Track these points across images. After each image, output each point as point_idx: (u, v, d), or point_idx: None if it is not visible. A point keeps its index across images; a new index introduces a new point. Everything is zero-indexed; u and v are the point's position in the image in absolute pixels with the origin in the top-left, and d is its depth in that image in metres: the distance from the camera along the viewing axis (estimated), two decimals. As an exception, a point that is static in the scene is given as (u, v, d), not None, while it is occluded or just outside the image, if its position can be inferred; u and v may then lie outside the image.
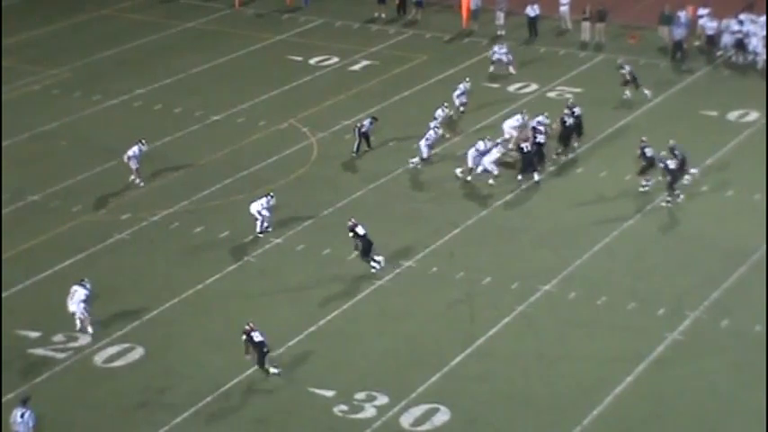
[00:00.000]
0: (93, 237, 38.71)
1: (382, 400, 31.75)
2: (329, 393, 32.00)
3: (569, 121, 44.11)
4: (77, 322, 34.26)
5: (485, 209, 40.40)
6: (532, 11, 55.21)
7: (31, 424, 29.34)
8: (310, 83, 50.73)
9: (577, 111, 44.43)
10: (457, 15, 56.30)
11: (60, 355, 33.27)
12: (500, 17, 55.71)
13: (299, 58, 52.96)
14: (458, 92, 46.96)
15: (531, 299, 35.97)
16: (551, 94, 49.36)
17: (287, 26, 56.77)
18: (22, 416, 29.38)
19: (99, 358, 33.29)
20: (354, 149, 44.17)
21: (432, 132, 43.45)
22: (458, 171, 42.14)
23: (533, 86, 50.19)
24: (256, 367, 32.66)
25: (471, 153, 41.88)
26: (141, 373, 32.79)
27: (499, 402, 31.80)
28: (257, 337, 32.53)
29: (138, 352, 33.55)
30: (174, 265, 37.56)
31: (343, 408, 31.54)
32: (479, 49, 54.10)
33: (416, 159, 43.02)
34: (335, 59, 53.01)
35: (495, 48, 51.11)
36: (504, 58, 50.58)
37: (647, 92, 48.17)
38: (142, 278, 36.96)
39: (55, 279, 36.76)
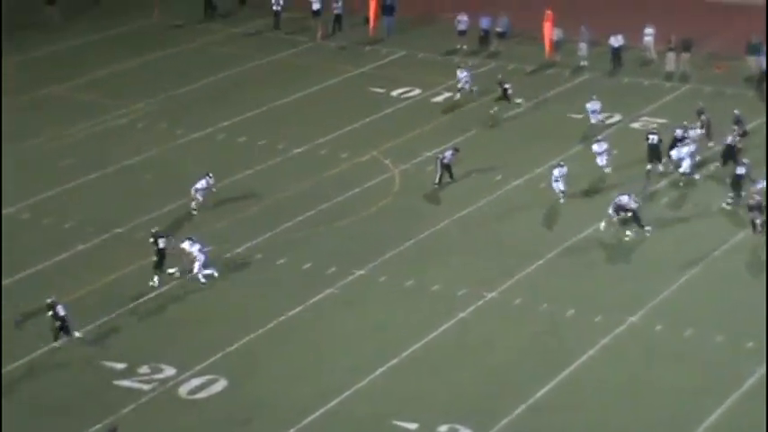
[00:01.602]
0: (172, 267, 38.98)
1: (465, 432, 31.73)
2: (412, 426, 31.98)
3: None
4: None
5: (567, 241, 40.20)
6: (616, 41, 55.02)
7: None
8: (392, 115, 50.91)
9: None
10: (540, 47, 56.22)
11: (146, 387, 33.52)
12: (583, 48, 55.58)
13: (382, 90, 53.18)
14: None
15: (616, 330, 35.77)
16: (635, 125, 49.14)
17: (369, 58, 57.04)
18: None
19: (184, 390, 33.49)
20: (436, 181, 44.22)
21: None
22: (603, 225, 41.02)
23: (617, 117, 49.99)
24: (338, 399, 32.74)
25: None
26: (225, 404, 32.96)
27: (584, 435, 31.67)
28: (60, 311, 34.02)
29: (222, 383, 33.72)
30: (257, 297, 37.76)
31: (427, 440, 31.55)
32: (562, 80, 54.02)
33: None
34: (418, 91, 53.17)
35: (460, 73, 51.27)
36: (467, 85, 50.96)
37: (518, 101, 49.85)
38: (226, 309, 37.18)
39: (140, 311, 37.10)
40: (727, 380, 33.32)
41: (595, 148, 44.89)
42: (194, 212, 41.89)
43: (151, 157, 47.02)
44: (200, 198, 41.98)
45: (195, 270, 38.09)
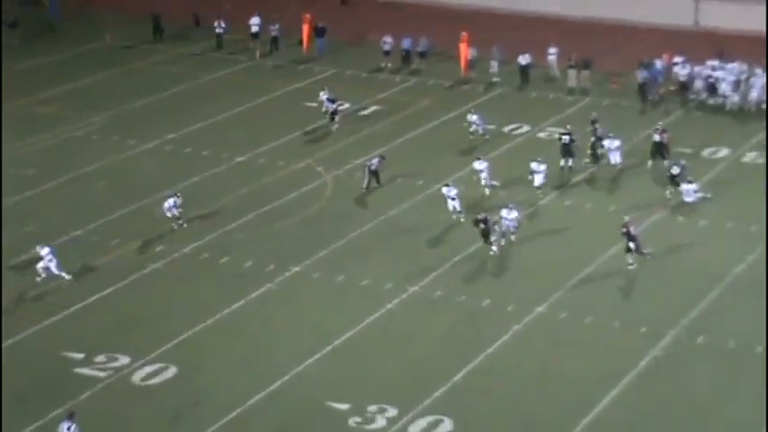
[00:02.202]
0: (131, 267, 38.81)
1: (392, 412, 31.80)
2: (344, 406, 32.06)
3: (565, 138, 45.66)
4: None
5: (480, 241, 40.43)
6: (524, 59, 55.41)
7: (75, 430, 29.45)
8: (325, 126, 50.90)
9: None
10: (456, 65, 56.50)
11: (102, 374, 33.33)
12: (494, 66, 55.90)
13: (314, 105, 53.15)
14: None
15: (525, 319, 36.08)
16: (541, 135, 49.56)
17: (303, 75, 57.00)
18: (68, 428, 29.46)
19: (137, 377, 33.34)
20: (365, 186, 44.32)
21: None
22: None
23: (525, 128, 50.38)
24: (278, 383, 32.76)
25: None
26: (175, 389, 32.85)
27: (497, 415, 31.85)
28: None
29: (172, 371, 33.61)
30: (203, 293, 37.67)
31: (357, 419, 31.59)
32: (477, 95, 54.34)
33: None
34: (347, 105, 53.19)
35: (472, 117, 48.97)
36: (480, 129, 48.83)
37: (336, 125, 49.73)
38: (175, 304, 37.06)
39: (97, 306, 36.86)
40: (625, 362, 33.71)
41: (476, 165, 44.31)
42: (176, 228, 41.06)
43: (105, 166, 46.74)
44: (176, 213, 41.13)
45: (55, 271, 37.44)
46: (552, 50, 56.02)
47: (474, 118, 48.86)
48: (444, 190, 42.06)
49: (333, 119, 50.19)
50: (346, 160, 46.90)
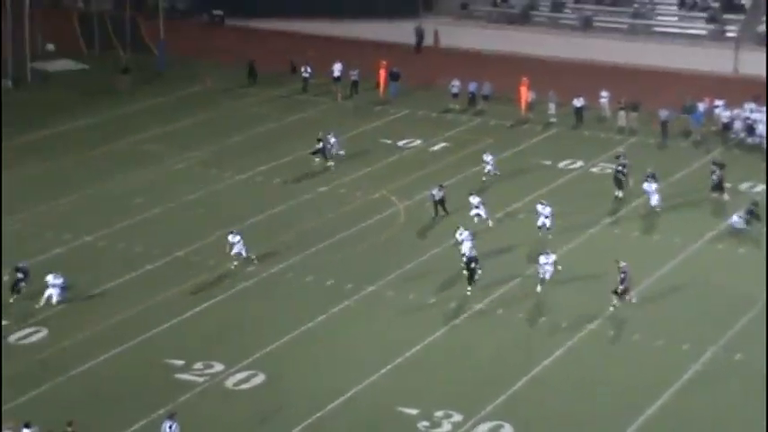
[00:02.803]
0: (226, 285, 39.08)
1: (457, 417, 31.69)
2: (413, 412, 32.00)
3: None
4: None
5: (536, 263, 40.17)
6: (578, 102, 55.20)
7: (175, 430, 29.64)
8: (398, 161, 51.03)
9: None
10: (517, 106, 56.41)
11: (199, 380, 33.56)
12: (551, 107, 55.74)
13: (389, 141, 53.36)
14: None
15: (578, 335, 35.84)
16: (594, 170, 49.27)
17: (379, 116, 57.20)
18: (170, 427, 29.69)
19: (230, 382, 33.52)
20: (433, 214, 44.27)
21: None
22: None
23: (579, 163, 50.15)
24: (354, 390, 32.79)
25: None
26: (263, 394, 32.98)
27: (552, 421, 31.63)
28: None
29: (261, 377, 33.75)
30: (289, 308, 37.82)
31: (425, 423, 31.51)
32: (535, 134, 54.19)
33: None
34: (418, 142, 53.33)
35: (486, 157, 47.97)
36: (492, 169, 47.67)
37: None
38: (264, 318, 37.25)
39: (196, 318, 37.16)
40: (669, 375, 33.36)
41: (471, 200, 43.40)
42: (254, 260, 40.01)
43: (204, 195, 47.11)
44: (242, 251, 39.85)
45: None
46: (604, 94, 55.79)
47: (489, 158, 48.02)
48: (539, 207, 41.87)
49: (325, 156, 49.33)
50: (417, 191, 46.92)
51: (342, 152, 50.04)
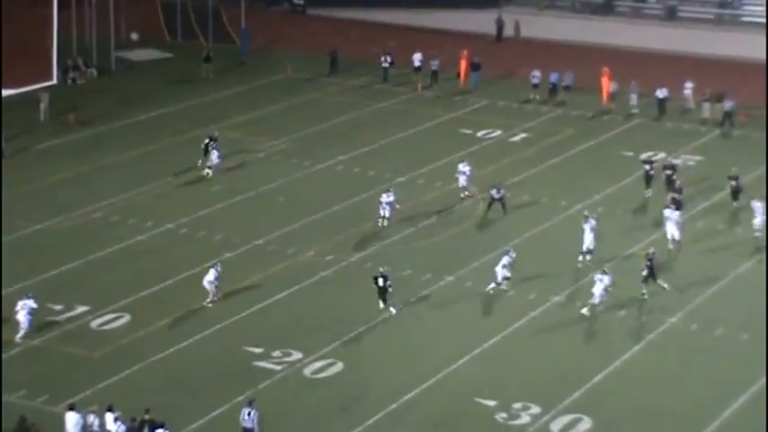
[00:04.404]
0: (304, 274, 39.13)
1: (535, 409, 31.41)
2: (491, 403, 31.77)
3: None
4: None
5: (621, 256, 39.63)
6: (661, 93, 54.39)
7: (255, 420, 29.73)
8: (478, 151, 50.73)
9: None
10: (598, 97, 55.74)
11: (277, 368, 33.65)
12: (633, 98, 54.99)
13: (469, 132, 53.05)
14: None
15: (659, 329, 35.28)
16: (676, 161, 48.49)
17: (459, 106, 56.91)
18: (249, 413, 29.81)
19: (308, 371, 33.56)
20: (484, 211, 43.34)
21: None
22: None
23: (661, 155, 49.40)
24: (433, 380, 32.63)
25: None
26: (341, 383, 32.98)
27: (632, 415, 31.17)
28: None
29: (339, 366, 33.75)
30: (367, 298, 37.71)
31: (503, 415, 31.27)
32: (616, 125, 53.51)
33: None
34: (498, 132, 52.96)
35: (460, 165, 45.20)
36: (466, 180, 44.77)
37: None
38: (342, 307, 37.23)
39: (274, 307, 37.27)
40: (752, 371, 32.68)
41: (460, 167, 43.55)
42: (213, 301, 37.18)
43: (284, 184, 47.21)
44: (213, 288, 37.00)
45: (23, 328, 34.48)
46: (688, 85, 54.92)
47: (466, 169, 44.81)
48: (586, 223, 39.56)
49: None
50: (496, 182, 46.50)
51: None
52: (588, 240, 39.20)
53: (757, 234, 40.85)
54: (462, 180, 44.83)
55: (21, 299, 35.02)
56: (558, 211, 43.89)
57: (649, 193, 44.45)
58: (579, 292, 37.68)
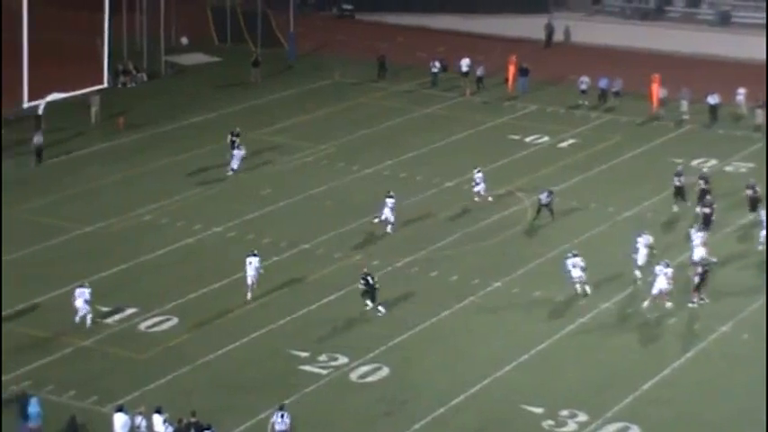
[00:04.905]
0: (351, 277, 39.19)
1: (582, 417, 31.24)
2: (538, 410, 31.65)
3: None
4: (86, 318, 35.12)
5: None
6: (712, 99, 53.97)
7: (288, 422, 29.73)
8: (525, 157, 50.60)
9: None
10: (648, 103, 55.41)
11: (323, 372, 33.73)
12: (684, 104, 54.61)
13: (517, 137, 52.95)
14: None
15: (710, 337, 35.00)
16: (728, 168, 48.08)
17: (507, 111, 56.80)
18: (281, 417, 29.84)
19: (354, 375, 33.62)
20: (533, 218, 43.29)
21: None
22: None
23: (713, 162, 49.01)
24: (479, 386, 32.57)
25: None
26: (387, 388, 32.98)
27: (680, 424, 30.93)
28: None
29: (385, 371, 33.76)
30: (412, 302, 37.76)
31: (550, 422, 31.14)
32: (667, 131, 53.17)
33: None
34: (546, 138, 52.82)
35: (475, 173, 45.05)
36: (482, 189, 44.80)
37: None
38: (388, 312, 37.19)
39: (321, 310, 37.34)
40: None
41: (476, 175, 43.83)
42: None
43: (331, 188, 47.34)
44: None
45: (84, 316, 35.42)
46: (741, 91, 54.46)
47: (479, 176, 44.88)
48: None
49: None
50: (544, 188, 46.31)
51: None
52: (642, 257, 38.45)
53: (760, 248, 40.25)
54: (480, 188, 44.72)
55: (77, 287, 35.74)
56: (605, 218, 43.68)
57: (684, 206, 43.47)
58: (629, 298, 37.43)
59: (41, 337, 35.05)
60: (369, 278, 36.75)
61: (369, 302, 36.68)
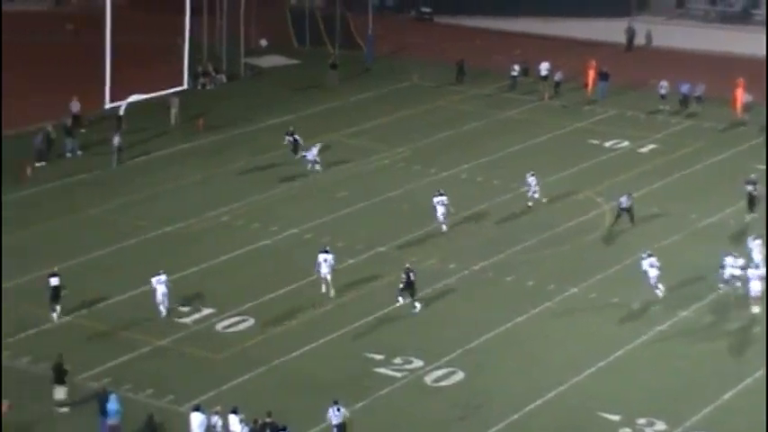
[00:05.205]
0: (427, 281, 39.15)
1: (660, 425, 30.90)
2: (615, 417, 31.37)
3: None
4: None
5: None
6: (797, 104, 53.13)
7: (343, 415, 29.95)
8: (605, 162, 50.20)
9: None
10: (731, 109, 54.63)
11: (398, 375, 33.76)
12: (768, 110, 53.79)
13: (596, 142, 52.54)
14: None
15: (791, 348, 34.44)
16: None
17: (587, 115, 56.40)
18: (338, 410, 30.03)
19: (429, 379, 33.59)
20: (613, 223, 42.99)
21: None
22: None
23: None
24: (554, 392, 32.36)
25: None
26: (461, 392, 32.92)
27: (761, 434, 30.51)
28: None
29: (460, 375, 33.71)
30: (489, 307, 37.65)
31: (627, 430, 30.85)
32: (750, 137, 52.38)
33: None
34: (626, 143, 52.34)
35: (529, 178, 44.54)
36: (535, 192, 44.45)
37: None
38: (464, 316, 37.16)
39: (396, 314, 37.37)
40: None
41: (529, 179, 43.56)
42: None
43: (408, 191, 47.37)
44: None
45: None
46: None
47: (532, 180, 44.59)
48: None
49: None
50: (624, 193, 45.90)
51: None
52: (729, 272, 37.72)
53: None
54: (533, 192, 44.60)
55: (154, 275, 36.58)
56: (686, 225, 43.16)
57: (753, 216, 42.82)
58: (708, 306, 36.94)
59: (120, 336, 35.56)
60: (410, 274, 36.72)
61: (400, 299, 36.74)
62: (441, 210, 42.50)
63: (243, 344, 35.35)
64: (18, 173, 47.48)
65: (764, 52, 62.59)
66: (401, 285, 36.93)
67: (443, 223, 42.47)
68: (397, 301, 36.91)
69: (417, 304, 36.81)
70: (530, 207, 44.64)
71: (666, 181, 47.50)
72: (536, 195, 44.87)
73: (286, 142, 49.69)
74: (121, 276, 39.01)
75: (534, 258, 40.95)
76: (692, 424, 30.92)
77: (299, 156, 49.00)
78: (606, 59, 59.94)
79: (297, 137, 49.69)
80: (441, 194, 42.79)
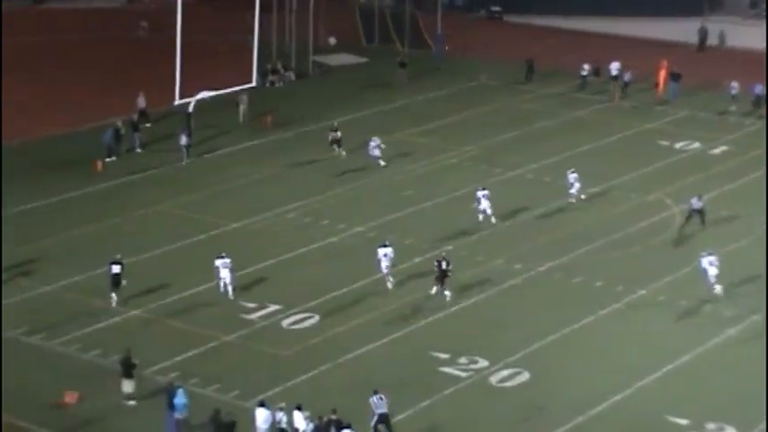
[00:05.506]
0: (493, 281, 39.05)
1: (730, 430, 30.51)
2: (684, 422, 31.06)
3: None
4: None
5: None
6: None
7: (386, 402, 30.12)
8: (675, 163, 49.70)
9: None
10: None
11: (463, 374, 33.72)
12: (844, 112, 52.93)
13: (667, 143, 52.01)
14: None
15: None
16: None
17: (657, 116, 55.87)
18: (380, 398, 30.17)
19: (494, 379, 33.52)
20: (683, 223, 42.52)
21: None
22: None
23: None
24: (621, 395, 32.10)
25: None
26: (526, 393, 32.80)
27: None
28: None
29: (525, 376, 33.58)
30: (555, 308, 37.46)
31: (695, 435, 30.56)
32: (826, 139, 51.67)
33: None
34: (697, 144, 51.76)
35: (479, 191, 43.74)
36: (576, 189, 44.56)
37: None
38: (530, 316, 37.03)
39: (462, 313, 37.28)
40: None
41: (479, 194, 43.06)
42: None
43: (475, 190, 46.94)
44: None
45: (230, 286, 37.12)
46: None
47: (573, 177, 44.57)
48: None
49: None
50: (693, 195, 45.39)
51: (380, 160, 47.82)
52: None
53: None
54: (574, 189, 44.47)
55: (217, 257, 37.30)
56: (756, 228, 42.58)
57: None
58: (779, 311, 36.45)
59: (188, 331, 35.92)
60: (443, 263, 36.79)
61: (434, 288, 36.86)
62: (485, 204, 42.59)
63: (308, 341, 35.52)
64: (91, 168, 48.16)
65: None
66: (435, 274, 36.81)
67: (491, 216, 42.39)
68: (432, 290, 36.81)
69: (447, 293, 36.73)
70: (572, 204, 44.49)
71: (738, 183, 46.91)
72: (575, 192, 44.60)
73: (330, 138, 49.52)
74: (190, 272, 39.37)
75: (602, 260, 40.66)
76: (763, 429, 30.49)
77: (340, 152, 49.02)
78: (678, 60, 59.35)
79: (339, 133, 49.66)
80: (483, 189, 42.98)
